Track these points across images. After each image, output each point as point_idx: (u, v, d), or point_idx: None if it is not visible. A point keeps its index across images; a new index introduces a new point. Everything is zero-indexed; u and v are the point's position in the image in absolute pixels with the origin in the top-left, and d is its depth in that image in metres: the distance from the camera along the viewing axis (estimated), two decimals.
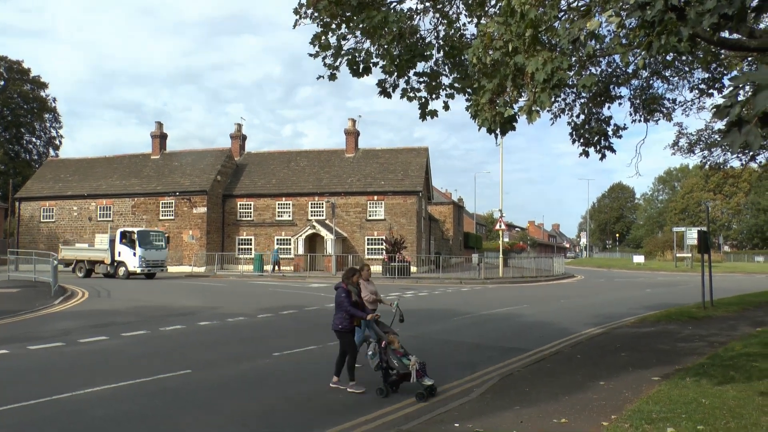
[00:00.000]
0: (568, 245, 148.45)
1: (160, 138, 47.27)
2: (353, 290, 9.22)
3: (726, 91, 5.02)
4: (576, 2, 7.70)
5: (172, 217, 42.80)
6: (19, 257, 35.35)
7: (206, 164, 44.68)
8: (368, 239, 41.58)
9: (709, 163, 19.92)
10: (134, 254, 33.72)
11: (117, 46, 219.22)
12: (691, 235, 56.21)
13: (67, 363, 10.92)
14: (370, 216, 41.68)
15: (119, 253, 34.10)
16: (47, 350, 11.92)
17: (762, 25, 10.67)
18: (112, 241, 34.36)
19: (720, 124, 17.47)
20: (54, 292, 22.42)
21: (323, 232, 40.19)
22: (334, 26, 9.09)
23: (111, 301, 21.67)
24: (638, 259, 67.75)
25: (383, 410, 7.84)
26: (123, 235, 34.50)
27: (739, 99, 3.47)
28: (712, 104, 15.63)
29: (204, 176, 43.44)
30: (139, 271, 33.76)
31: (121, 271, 34.05)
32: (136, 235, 34.12)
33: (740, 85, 3.53)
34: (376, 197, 41.65)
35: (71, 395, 8.41)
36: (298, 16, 9.13)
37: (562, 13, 6.90)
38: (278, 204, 43.25)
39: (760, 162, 20.36)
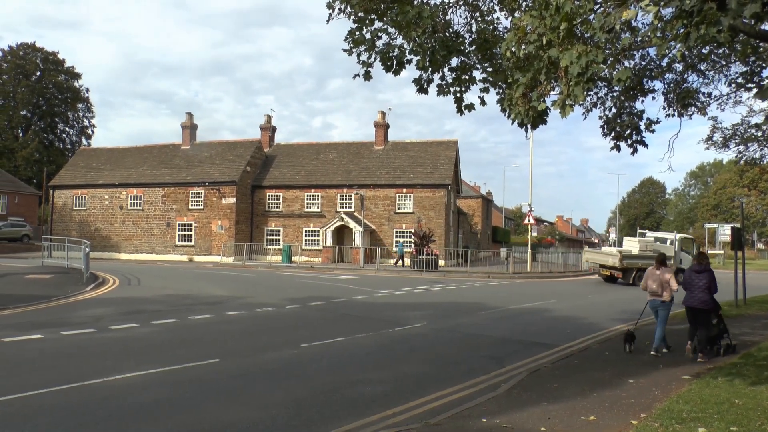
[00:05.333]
0: (596, 240, 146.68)
1: (190, 128, 47.66)
2: None
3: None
4: None
5: (202, 207, 43.19)
6: (53, 244, 35.87)
7: (236, 155, 44.98)
8: (396, 232, 41.50)
9: (744, 158, 19.49)
10: None
11: (149, 37, 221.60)
12: (724, 232, 55.07)
13: (99, 349, 11.11)
14: (398, 209, 41.60)
15: (681, 260, 31.71)
16: (79, 336, 12.14)
17: None
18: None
19: (756, 118, 17.11)
20: (86, 279, 22.81)
21: (352, 224, 40.25)
22: (367, 21, 9.02)
23: (141, 289, 21.98)
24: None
25: (410, 403, 7.83)
26: (683, 241, 32.76)
27: None
28: (749, 98, 15.28)
29: (233, 167, 43.73)
30: None
31: None
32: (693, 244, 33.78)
33: None
34: (404, 190, 41.58)
35: (102, 381, 8.56)
36: (331, 11, 9.07)
37: (598, 6, 6.77)
38: (307, 195, 43.39)
39: None
